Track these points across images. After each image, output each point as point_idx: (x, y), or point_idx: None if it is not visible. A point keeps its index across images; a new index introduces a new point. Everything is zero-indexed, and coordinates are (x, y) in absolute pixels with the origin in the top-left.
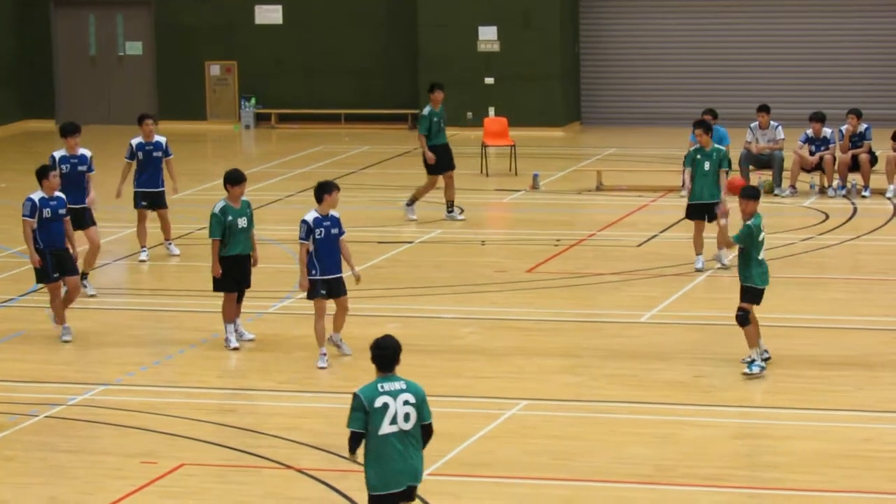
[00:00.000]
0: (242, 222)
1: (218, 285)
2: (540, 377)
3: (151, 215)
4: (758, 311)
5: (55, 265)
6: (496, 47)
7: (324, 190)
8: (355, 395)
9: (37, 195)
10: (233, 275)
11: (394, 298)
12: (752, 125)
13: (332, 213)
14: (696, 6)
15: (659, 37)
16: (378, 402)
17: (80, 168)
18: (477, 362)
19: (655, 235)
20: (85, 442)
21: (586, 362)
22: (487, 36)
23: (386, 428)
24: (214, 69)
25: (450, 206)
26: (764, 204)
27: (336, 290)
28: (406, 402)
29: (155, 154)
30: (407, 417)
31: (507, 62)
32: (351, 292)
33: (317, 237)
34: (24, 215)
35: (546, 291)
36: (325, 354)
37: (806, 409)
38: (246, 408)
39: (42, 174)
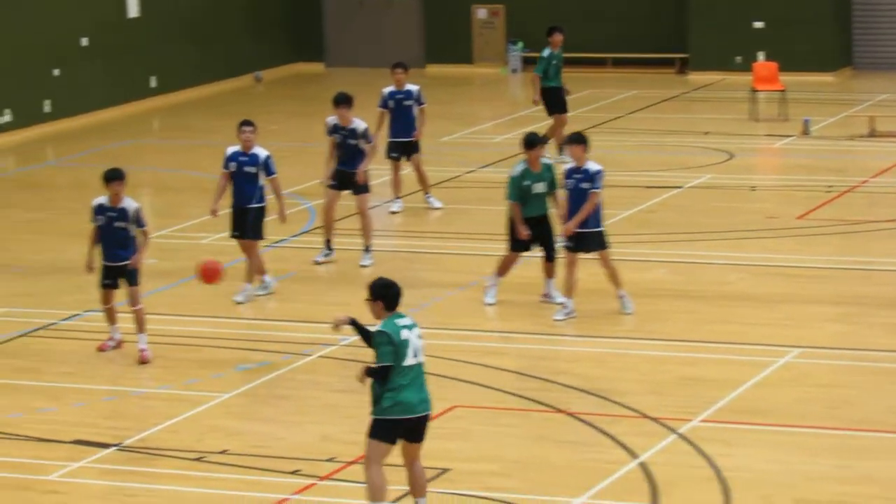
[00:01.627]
0: (539, 187)
1: (513, 245)
2: (812, 325)
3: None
4: None
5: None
6: None
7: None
8: (382, 332)
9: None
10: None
11: (662, 244)
12: None
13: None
14: None
15: None
16: (402, 336)
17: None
18: (747, 309)
19: None
20: (357, 382)
21: (859, 310)
22: None
23: (409, 360)
24: (481, 13)
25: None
26: None
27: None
28: (419, 337)
29: (406, 103)
30: (420, 351)
31: (776, 5)
32: (619, 237)
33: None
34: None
35: (817, 238)
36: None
37: None
38: (516, 351)
39: None
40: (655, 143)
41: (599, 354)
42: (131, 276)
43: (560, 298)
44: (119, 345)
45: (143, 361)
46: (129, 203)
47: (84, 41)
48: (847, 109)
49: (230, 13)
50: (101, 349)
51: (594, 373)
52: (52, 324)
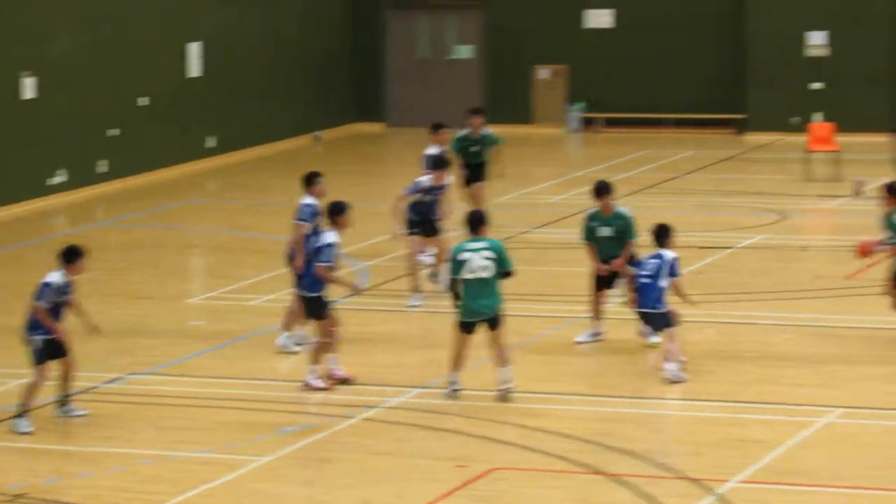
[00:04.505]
0: (605, 231)
1: (596, 284)
2: (857, 385)
3: None
4: None
5: None
6: (825, 52)
7: None
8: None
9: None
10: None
11: (712, 304)
12: None
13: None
14: None
15: None
16: (462, 256)
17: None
18: (792, 369)
19: None
20: (400, 444)
21: None
22: (816, 41)
23: (467, 274)
24: (543, 73)
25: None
26: None
27: None
28: (486, 257)
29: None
30: (485, 268)
31: (835, 67)
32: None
33: None
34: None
35: (865, 299)
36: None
37: None
38: (558, 412)
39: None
40: (710, 203)
41: (642, 416)
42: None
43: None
44: None
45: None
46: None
47: (143, 101)
48: None
49: (290, 73)
50: None
51: (636, 434)
52: (95, 387)
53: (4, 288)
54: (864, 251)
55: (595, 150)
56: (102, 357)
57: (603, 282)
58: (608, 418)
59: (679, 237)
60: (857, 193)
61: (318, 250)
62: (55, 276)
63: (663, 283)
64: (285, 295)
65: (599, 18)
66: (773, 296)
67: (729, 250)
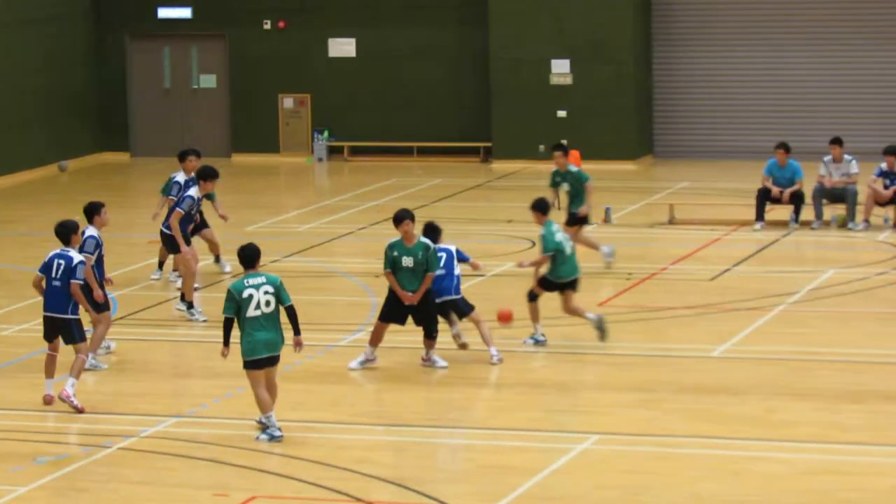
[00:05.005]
0: (407, 262)
1: (382, 315)
2: (611, 411)
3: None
4: (833, 345)
5: None
6: (569, 80)
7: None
8: (228, 290)
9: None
10: (398, 307)
11: (469, 332)
12: (825, 158)
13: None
14: (767, 39)
15: (731, 69)
16: (245, 293)
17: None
18: (547, 395)
19: (728, 269)
20: (157, 474)
21: (658, 396)
22: (560, 69)
23: (252, 312)
24: (288, 102)
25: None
26: (837, 238)
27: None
28: (266, 292)
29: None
30: (268, 303)
31: (579, 95)
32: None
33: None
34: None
35: (617, 325)
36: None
37: (881, 444)
38: (317, 440)
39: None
40: (460, 231)
41: (402, 443)
42: None
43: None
44: None
45: None
46: None
47: None
48: (647, 197)
49: (33, 103)
50: None
51: (393, 461)
52: None
53: None
54: (506, 317)
55: (343, 179)
56: None
57: (396, 314)
58: (367, 446)
59: None
60: (606, 220)
61: (75, 268)
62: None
63: (457, 271)
64: (34, 325)
65: (342, 47)
66: (525, 322)
67: (480, 278)
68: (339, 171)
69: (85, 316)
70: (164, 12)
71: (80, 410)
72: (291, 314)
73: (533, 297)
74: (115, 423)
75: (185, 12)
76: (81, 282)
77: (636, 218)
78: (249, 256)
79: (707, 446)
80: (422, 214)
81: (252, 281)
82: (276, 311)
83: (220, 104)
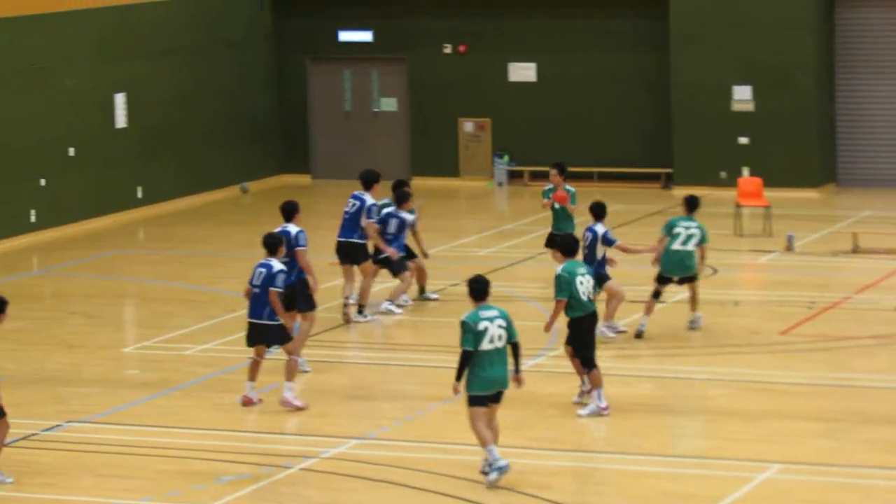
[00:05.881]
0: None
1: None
2: (794, 441)
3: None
4: None
5: None
6: (750, 107)
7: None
8: (463, 322)
9: None
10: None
11: (645, 359)
12: None
13: None
14: None
15: None
16: (481, 326)
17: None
18: (729, 424)
19: None
20: (338, 495)
21: (842, 426)
22: (741, 95)
23: (486, 345)
24: (468, 126)
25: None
26: None
27: None
28: (500, 325)
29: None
30: (500, 337)
31: (761, 122)
32: (606, 350)
33: None
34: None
35: (800, 354)
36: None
37: None
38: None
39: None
40: (638, 258)
41: (579, 469)
42: None
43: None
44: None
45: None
46: None
47: (71, 151)
48: (831, 226)
49: (217, 125)
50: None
51: (573, 486)
52: (33, 434)
53: None
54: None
55: (523, 203)
56: (37, 404)
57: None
58: (548, 472)
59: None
60: (789, 248)
61: (275, 276)
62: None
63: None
64: (217, 346)
65: (522, 72)
66: (707, 350)
67: (661, 305)
68: (520, 195)
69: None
70: (344, 35)
71: (302, 408)
72: (516, 349)
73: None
74: (297, 444)
75: (366, 36)
76: (281, 289)
77: (819, 246)
78: (481, 289)
79: (892, 478)
80: None
81: (486, 314)
82: (506, 345)
83: (401, 127)
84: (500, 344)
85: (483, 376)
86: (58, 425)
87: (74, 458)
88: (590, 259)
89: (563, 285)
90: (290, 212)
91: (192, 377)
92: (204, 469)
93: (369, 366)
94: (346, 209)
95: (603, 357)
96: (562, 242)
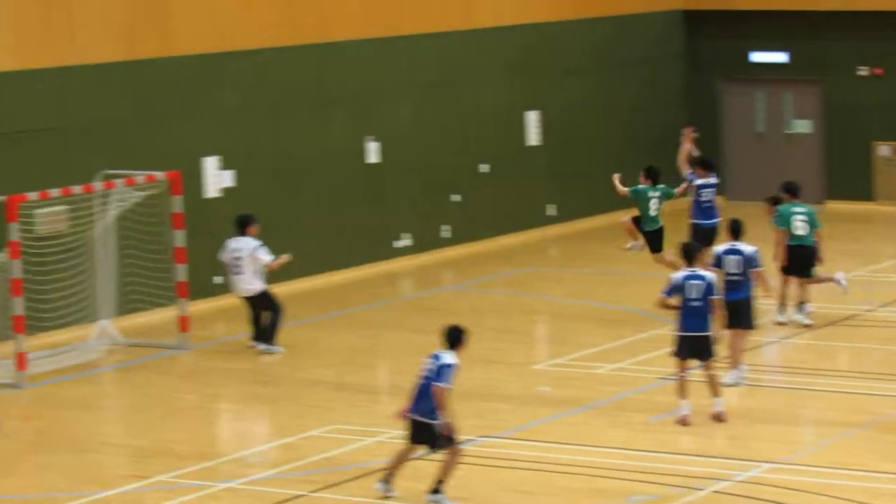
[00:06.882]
0: None
1: None
2: None
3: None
4: None
5: None
6: None
7: None
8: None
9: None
10: None
11: None
12: None
13: None
14: None
15: None
16: None
17: None
18: None
19: None
20: None
21: None
22: None
23: None
24: (883, 150)
25: None
26: None
27: None
28: None
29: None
30: None
31: None
32: None
33: None
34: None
35: None
36: None
37: None
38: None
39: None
40: None
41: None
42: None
43: None
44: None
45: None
46: None
47: (484, 167)
48: None
49: (625, 143)
50: None
51: None
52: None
53: (353, 349)
54: None
55: None
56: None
57: None
58: None
59: None
60: None
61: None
62: (450, 358)
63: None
64: (629, 364)
65: None
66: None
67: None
68: None
69: None
70: (756, 56)
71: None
72: None
73: None
74: (708, 466)
75: (781, 57)
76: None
77: None
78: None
79: None
80: None
81: None
82: None
83: (814, 150)
84: None
85: None
86: (471, 439)
87: (485, 472)
88: None
89: None
90: None
91: (603, 396)
92: (611, 487)
93: (780, 389)
94: None
95: None
96: None
